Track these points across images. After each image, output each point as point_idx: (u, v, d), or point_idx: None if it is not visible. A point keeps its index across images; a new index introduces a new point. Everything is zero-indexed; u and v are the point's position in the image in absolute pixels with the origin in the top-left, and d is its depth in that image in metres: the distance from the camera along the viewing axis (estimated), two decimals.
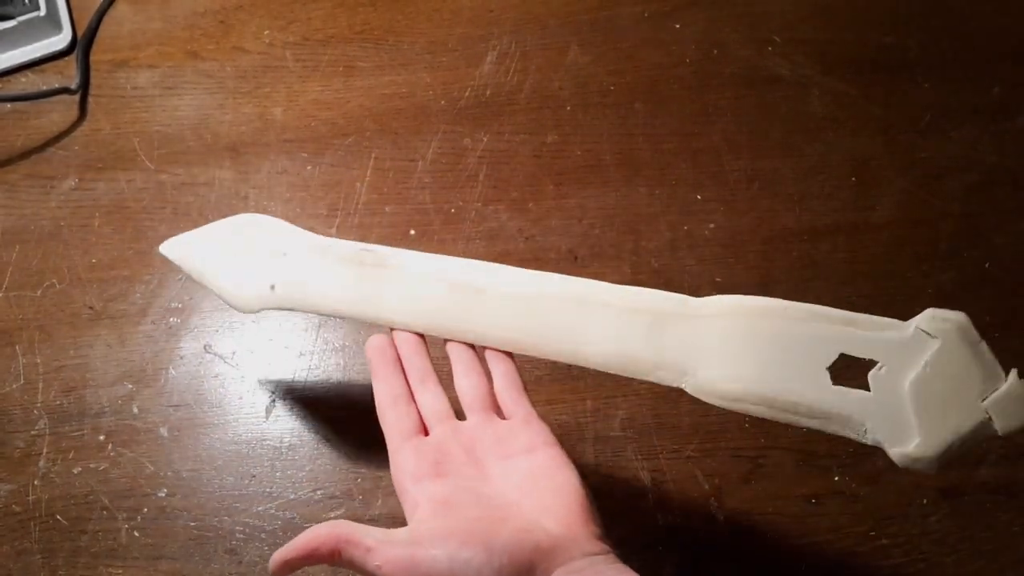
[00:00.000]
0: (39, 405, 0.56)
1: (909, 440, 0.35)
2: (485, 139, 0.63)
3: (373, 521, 0.52)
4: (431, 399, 0.41)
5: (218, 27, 0.69)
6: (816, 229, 0.60)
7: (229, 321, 0.58)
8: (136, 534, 0.52)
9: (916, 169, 0.62)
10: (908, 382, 0.35)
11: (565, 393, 0.54)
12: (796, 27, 0.67)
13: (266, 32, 0.68)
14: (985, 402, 0.34)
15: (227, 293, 0.46)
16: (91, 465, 0.54)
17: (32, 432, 0.55)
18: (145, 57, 0.67)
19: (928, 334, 0.35)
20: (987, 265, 0.58)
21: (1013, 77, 0.64)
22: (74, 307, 0.58)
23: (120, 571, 0.52)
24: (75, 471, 0.54)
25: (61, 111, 0.65)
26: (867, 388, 0.36)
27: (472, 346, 0.43)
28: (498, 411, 0.42)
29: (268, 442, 0.55)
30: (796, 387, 0.36)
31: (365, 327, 0.57)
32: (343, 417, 0.55)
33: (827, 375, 0.36)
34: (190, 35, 0.68)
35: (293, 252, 0.45)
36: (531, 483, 0.38)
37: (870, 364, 0.36)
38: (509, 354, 0.42)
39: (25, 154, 0.64)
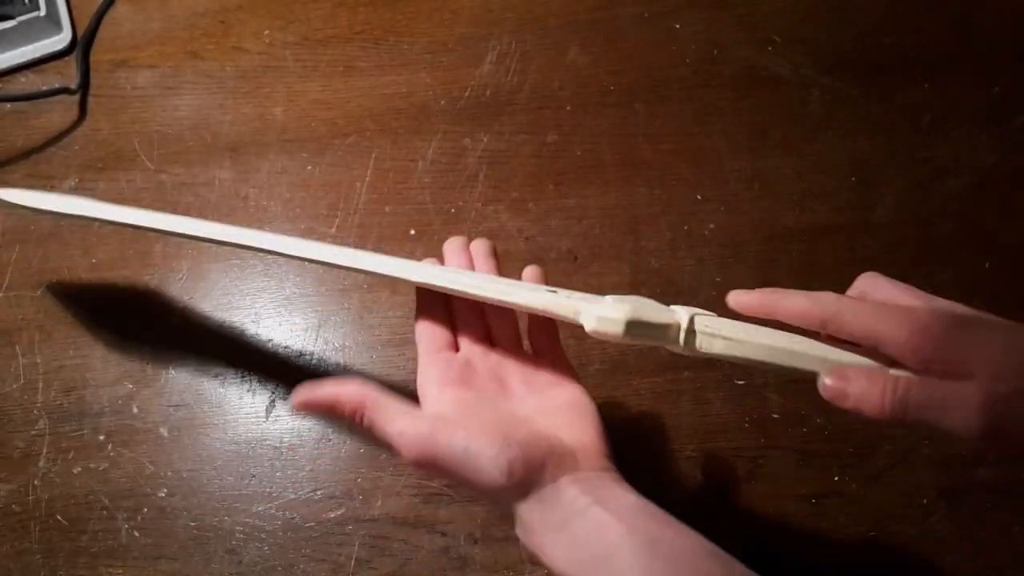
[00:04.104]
0: (39, 405, 0.56)
1: (604, 307, 0.38)
2: (485, 139, 0.63)
3: (373, 521, 0.52)
4: (468, 321, 0.43)
5: (218, 27, 0.69)
6: (816, 229, 0.60)
7: (230, 321, 0.58)
8: (136, 534, 0.52)
9: (916, 169, 0.62)
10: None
11: None
12: (796, 27, 0.67)
13: (266, 32, 0.68)
14: (670, 305, 0.39)
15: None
16: (91, 465, 0.54)
17: (32, 432, 0.55)
18: (145, 57, 0.67)
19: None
20: (987, 265, 0.58)
21: (1013, 77, 0.64)
22: (74, 307, 0.58)
23: (120, 571, 0.52)
24: (75, 471, 0.54)
25: (61, 111, 0.65)
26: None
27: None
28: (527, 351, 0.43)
29: (268, 442, 0.55)
30: (515, 286, 0.41)
31: (364, 328, 0.57)
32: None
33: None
34: (190, 35, 0.68)
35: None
36: (551, 407, 0.40)
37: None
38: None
39: (25, 154, 0.64)
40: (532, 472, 0.35)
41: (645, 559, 0.33)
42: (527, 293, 0.40)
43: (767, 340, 0.37)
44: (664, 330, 0.37)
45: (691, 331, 0.38)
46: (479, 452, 0.35)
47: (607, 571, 0.33)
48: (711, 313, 0.38)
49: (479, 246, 0.46)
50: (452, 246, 0.46)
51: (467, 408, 0.38)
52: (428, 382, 0.40)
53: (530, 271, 0.45)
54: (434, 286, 0.41)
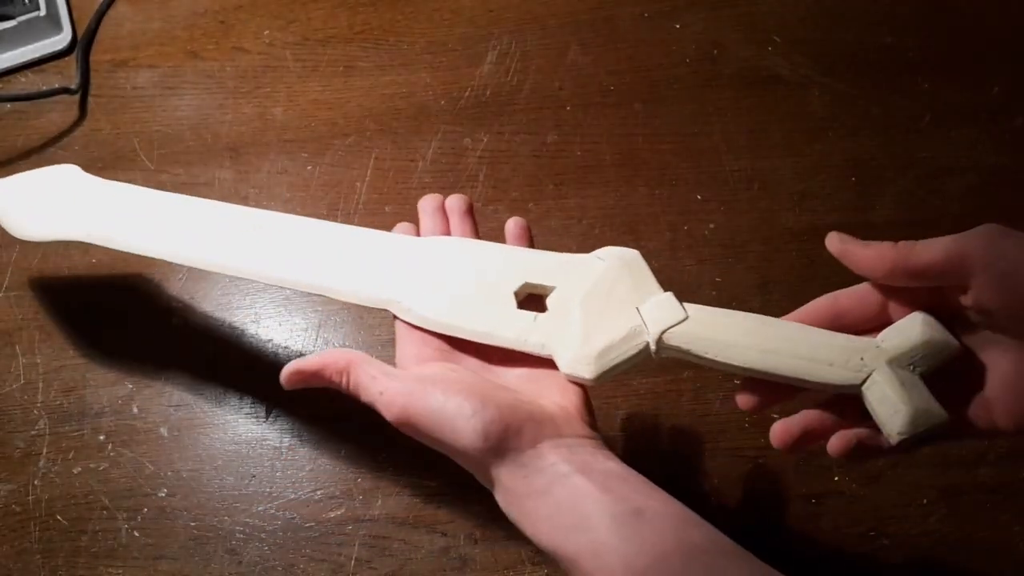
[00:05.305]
0: (39, 405, 0.56)
1: (574, 347, 0.38)
2: (485, 139, 0.63)
3: (373, 521, 0.52)
4: None
5: (218, 27, 0.69)
6: (816, 229, 0.60)
7: (230, 321, 0.58)
8: (136, 534, 0.52)
9: (916, 169, 0.62)
10: (578, 301, 0.39)
11: None
12: (796, 27, 0.67)
13: (266, 32, 0.68)
14: (640, 308, 0.38)
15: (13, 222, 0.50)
16: (91, 465, 0.54)
17: (32, 432, 0.55)
18: (145, 57, 0.67)
19: (599, 259, 0.40)
20: None
21: (1013, 77, 0.64)
22: (74, 307, 0.58)
23: (120, 571, 0.52)
24: (75, 471, 0.54)
25: (61, 111, 0.65)
26: (545, 309, 0.40)
27: None
28: None
29: (268, 442, 0.55)
30: (482, 314, 0.40)
31: (364, 328, 0.57)
32: (343, 417, 0.55)
33: (512, 299, 0.40)
34: (190, 35, 0.68)
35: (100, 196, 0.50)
36: (534, 375, 0.39)
37: (551, 289, 0.40)
38: None
39: (25, 154, 0.64)
40: (510, 435, 0.35)
41: (629, 529, 0.32)
42: (502, 333, 0.39)
43: (736, 351, 0.37)
44: (636, 358, 0.38)
45: (663, 346, 0.38)
46: (456, 412, 0.35)
47: (589, 541, 0.32)
48: (683, 316, 0.37)
49: (454, 203, 0.44)
50: (426, 206, 0.44)
51: (447, 373, 0.38)
52: (406, 362, 0.40)
53: (513, 224, 0.44)
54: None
